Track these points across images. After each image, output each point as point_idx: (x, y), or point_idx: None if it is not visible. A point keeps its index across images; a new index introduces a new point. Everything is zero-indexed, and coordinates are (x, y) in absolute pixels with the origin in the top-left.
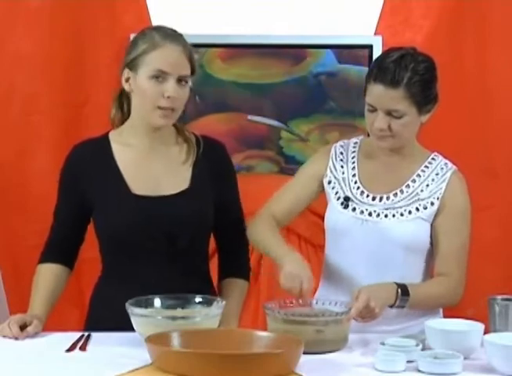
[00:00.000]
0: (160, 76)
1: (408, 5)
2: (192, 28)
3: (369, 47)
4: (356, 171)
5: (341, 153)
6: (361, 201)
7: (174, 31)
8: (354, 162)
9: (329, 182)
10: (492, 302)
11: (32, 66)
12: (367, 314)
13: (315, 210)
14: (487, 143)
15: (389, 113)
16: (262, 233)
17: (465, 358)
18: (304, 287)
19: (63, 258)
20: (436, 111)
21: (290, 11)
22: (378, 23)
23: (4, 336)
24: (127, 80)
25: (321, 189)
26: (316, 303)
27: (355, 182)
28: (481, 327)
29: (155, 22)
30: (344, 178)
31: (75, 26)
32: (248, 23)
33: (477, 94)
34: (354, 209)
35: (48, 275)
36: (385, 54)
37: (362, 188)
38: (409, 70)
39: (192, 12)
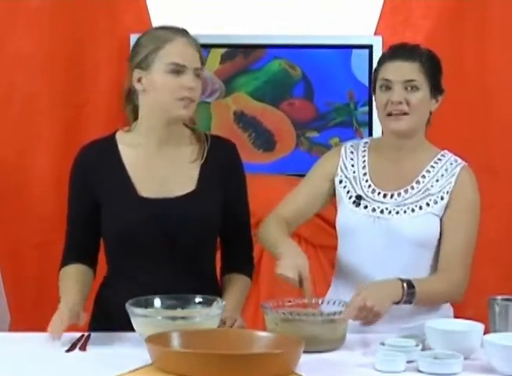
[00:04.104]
0: (177, 70)
1: (408, 5)
2: (192, 28)
3: (369, 47)
4: (367, 170)
5: (351, 153)
6: (372, 199)
7: (178, 27)
8: (364, 161)
9: (341, 182)
10: (492, 302)
11: (32, 66)
12: (368, 315)
13: None
14: (487, 143)
15: (405, 86)
16: (270, 233)
17: (465, 358)
18: (303, 275)
19: (84, 260)
20: (436, 111)
21: (290, 11)
22: (378, 23)
23: (52, 328)
24: (139, 80)
25: (333, 190)
26: (320, 303)
27: (366, 181)
28: (481, 327)
29: (155, 22)
30: (355, 177)
31: (75, 26)
32: (248, 23)
33: (477, 94)
34: (366, 207)
35: (74, 270)
36: (394, 44)
37: (373, 186)
38: (423, 52)
39: (192, 12)
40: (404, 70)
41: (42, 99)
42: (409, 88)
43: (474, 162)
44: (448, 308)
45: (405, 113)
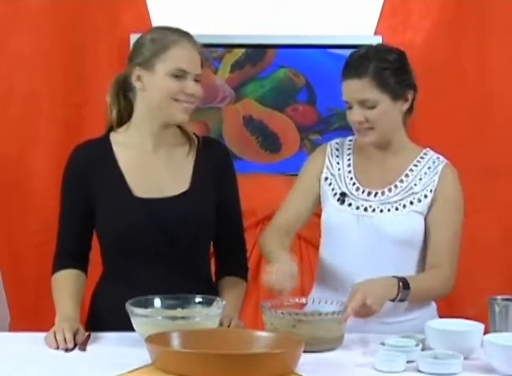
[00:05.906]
0: (179, 74)
1: (408, 6)
2: (192, 28)
3: None
4: (352, 168)
5: (337, 150)
6: (356, 197)
7: (182, 29)
8: (349, 159)
9: (326, 179)
10: (492, 302)
11: (32, 66)
12: (365, 314)
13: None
14: (487, 143)
15: (362, 104)
16: (267, 245)
17: (465, 358)
18: (289, 285)
19: (77, 264)
20: (436, 111)
21: (290, 11)
22: (378, 23)
23: (52, 344)
24: (139, 78)
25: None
26: (313, 302)
27: (351, 179)
28: (481, 327)
29: (155, 22)
30: (339, 174)
31: (75, 26)
32: (248, 24)
33: (477, 94)
34: (350, 205)
35: (67, 279)
36: (352, 52)
37: (357, 184)
38: (375, 60)
39: (192, 12)
40: (355, 90)
41: (42, 99)
42: (366, 105)
43: (474, 162)
44: (432, 305)
45: (370, 128)
